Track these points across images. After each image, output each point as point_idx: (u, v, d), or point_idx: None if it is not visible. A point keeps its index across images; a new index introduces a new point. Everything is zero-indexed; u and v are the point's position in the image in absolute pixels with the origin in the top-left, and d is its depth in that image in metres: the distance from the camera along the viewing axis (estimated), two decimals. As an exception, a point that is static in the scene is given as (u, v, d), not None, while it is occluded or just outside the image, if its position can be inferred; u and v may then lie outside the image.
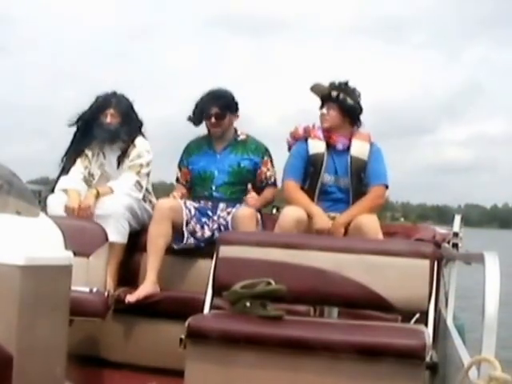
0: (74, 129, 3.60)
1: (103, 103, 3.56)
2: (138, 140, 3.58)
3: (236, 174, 3.52)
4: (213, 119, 3.51)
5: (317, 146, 3.41)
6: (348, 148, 3.41)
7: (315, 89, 3.48)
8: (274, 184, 3.60)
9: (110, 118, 3.53)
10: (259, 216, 3.43)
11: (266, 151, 3.63)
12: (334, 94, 3.40)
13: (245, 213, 3.28)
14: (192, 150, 3.67)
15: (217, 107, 3.51)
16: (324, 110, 3.43)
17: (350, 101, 3.41)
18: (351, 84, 3.48)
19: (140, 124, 3.67)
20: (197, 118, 3.60)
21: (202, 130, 3.67)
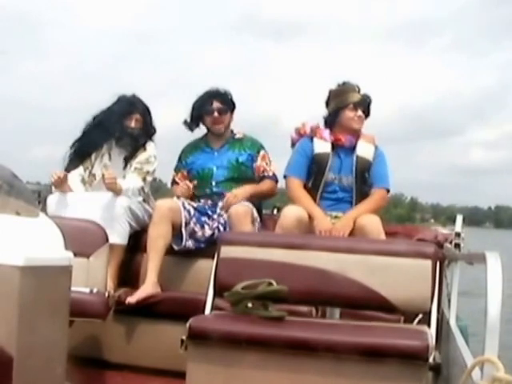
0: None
1: (129, 107, 3.55)
2: (149, 145, 3.59)
3: (235, 169, 3.54)
4: (215, 114, 3.53)
5: (323, 146, 3.43)
6: (354, 147, 3.44)
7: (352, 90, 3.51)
8: (273, 178, 3.60)
9: (135, 122, 3.54)
10: (256, 213, 3.39)
11: (262, 146, 3.66)
12: (362, 98, 3.49)
13: (238, 210, 3.24)
14: (189, 151, 3.68)
15: (219, 102, 3.54)
16: (360, 113, 3.46)
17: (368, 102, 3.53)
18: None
19: (154, 130, 3.67)
20: (195, 118, 3.60)
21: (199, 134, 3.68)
